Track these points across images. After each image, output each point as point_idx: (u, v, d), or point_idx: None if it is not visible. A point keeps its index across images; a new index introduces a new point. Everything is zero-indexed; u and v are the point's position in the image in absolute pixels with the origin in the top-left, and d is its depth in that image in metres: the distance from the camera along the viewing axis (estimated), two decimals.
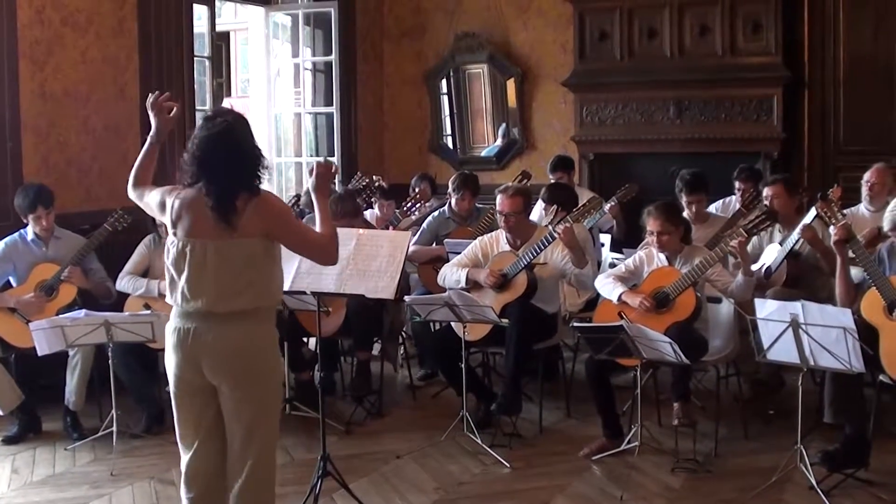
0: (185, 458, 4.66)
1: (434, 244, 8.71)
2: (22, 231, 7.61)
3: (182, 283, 4.43)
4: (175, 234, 4.50)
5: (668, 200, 7.34)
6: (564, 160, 10.14)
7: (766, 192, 7.77)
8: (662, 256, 6.89)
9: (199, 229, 4.41)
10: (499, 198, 7.43)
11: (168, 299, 4.55)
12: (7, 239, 7.57)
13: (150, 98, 4.91)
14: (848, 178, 9.77)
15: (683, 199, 8.11)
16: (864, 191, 8.14)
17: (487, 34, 12.28)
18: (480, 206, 8.99)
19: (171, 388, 4.59)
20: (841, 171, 10.56)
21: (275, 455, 4.72)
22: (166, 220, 4.55)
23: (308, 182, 4.95)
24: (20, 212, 7.51)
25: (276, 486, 5.97)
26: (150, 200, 4.70)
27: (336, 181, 10.94)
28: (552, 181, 9.56)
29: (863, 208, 8.14)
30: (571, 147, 11.61)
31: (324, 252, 4.73)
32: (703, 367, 7.19)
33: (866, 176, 8.15)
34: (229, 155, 4.42)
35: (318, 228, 4.80)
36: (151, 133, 4.89)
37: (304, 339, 8.05)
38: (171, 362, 4.54)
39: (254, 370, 4.48)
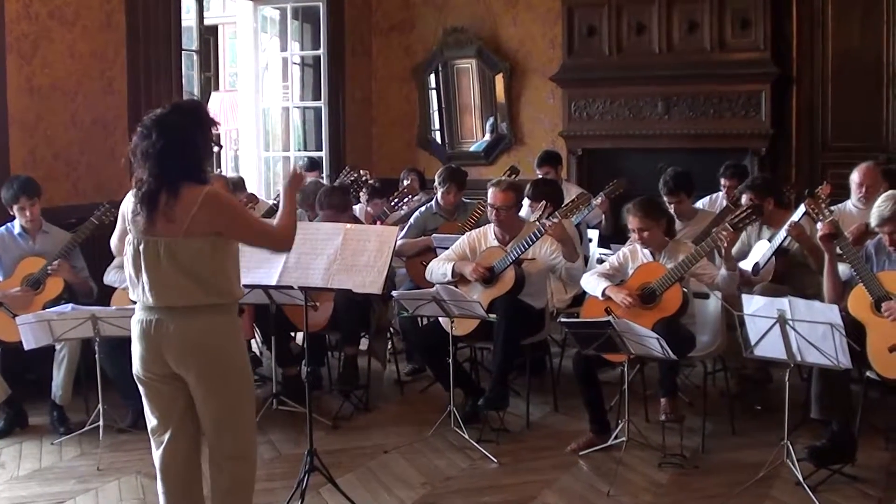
0: (156, 451, 4.66)
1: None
2: (9, 225, 7.59)
3: (142, 280, 4.44)
4: (131, 232, 4.50)
5: (648, 196, 7.34)
6: (552, 155, 10.12)
7: (742, 200, 7.77)
8: (647, 252, 6.90)
9: (150, 227, 4.40)
10: (491, 191, 7.44)
11: (131, 295, 4.56)
12: None
13: None
14: (835, 174, 9.80)
15: (664, 199, 8.13)
16: (857, 191, 8.11)
17: (476, 29, 12.29)
18: (468, 200, 8.98)
19: (139, 379, 4.59)
20: (828, 167, 10.60)
21: (253, 447, 4.73)
22: (127, 220, 4.55)
23: (282, 180, 4.95)
24: (6, 203, 7.49)
25: (263, 481, 6.01)
26: (117, 233, 4.74)
27: (323, 177, 10.96)
28: (539, 176, 9.59)
29: (850, 205, 8.14)
30: (559, 142, 11.64)
31: (279, 241, 4.73)
32: (691, 363, 7.20)
33: (856, 177, 8.11)
34: (158, 145, 4.37)
35: (279, 216, 4.81)
36: None
37: (292, 334, 8.05)
38: (136, 353, 4.55)
39: (217, 362, 4.49)
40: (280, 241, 4.75)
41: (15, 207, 7.48)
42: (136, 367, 4.57)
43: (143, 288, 4.44)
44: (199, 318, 4.44)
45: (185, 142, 4.43)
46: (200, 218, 4.36)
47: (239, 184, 9.31)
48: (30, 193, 7.48)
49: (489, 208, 7.46)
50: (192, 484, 4.71)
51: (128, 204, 4.54)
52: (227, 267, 4.53)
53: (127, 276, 4.56)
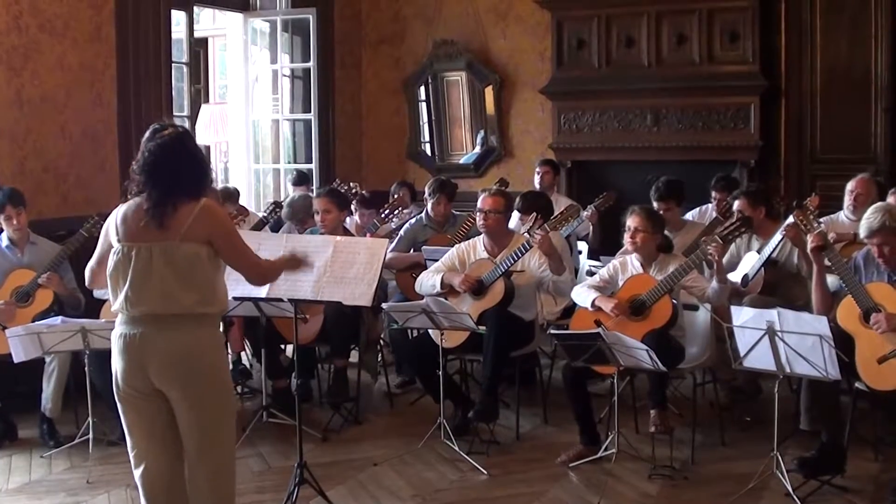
0: (137, 470, 4.62)
1: (412, 251, 8.70)
2: None
3: (126, 287, 4.43)
4: (119, 241, 4.49)
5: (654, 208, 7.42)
6: (553, 161, 10.51)
7: (735, 206, 7.80)
8: (637, 264, 6.91)
9: (144, 234, 4.42)
10: (480, 197, 7.50)
11: (112, 307, 4.54)
12: None
13: None
14: (824, 186, 9.85)
15: (654, 205, 8.15)
16: (848, 200, 8.18)
17: (466, 42, 12.31)
18: (458, 212, 8.99)
19: (119, 395, 4.56)
20: (817, 179, 10.63)
21: (233, 461, 4.71)
22: (111, 234, 4.55)
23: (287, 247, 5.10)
24: None
25: (253, 494, 6.02)
26: (97, 253, 4.75)
27: (313, 190, 10.95)
28: (538, 173, 9.87)
29: (843, 216, 8.20)
30: (549, 154, 11.62)
31: (257, 274, 4.86)
32: (680, 375, 7.21)
33: (850, 185, 8.20)
34: (179, 163, 4.47)
35: (269, 260, 4.97)
36: None
37: (282, 347, 8.05)
38: (117, 369, 4.52)
39: (201, 375, 4.47)
40: (258, 274, 4.86)
41: (1, 217, 7.47)
42: (117, 382, 4.54)
43: (128, 295, 4.43)
44: (183, 330, 4.43)
45: (195, 159, 4.57)
46: (197, 225, 4.41)
47: (233, 195, 9.33)
48: (15, 202, 7.48)
49: (478, 214, 7.48)
50: (177, 499, 4.68)
51: (115, 214, 4.55)
52: (219, 277, 4.58)
53: (110, 287, 4.55)
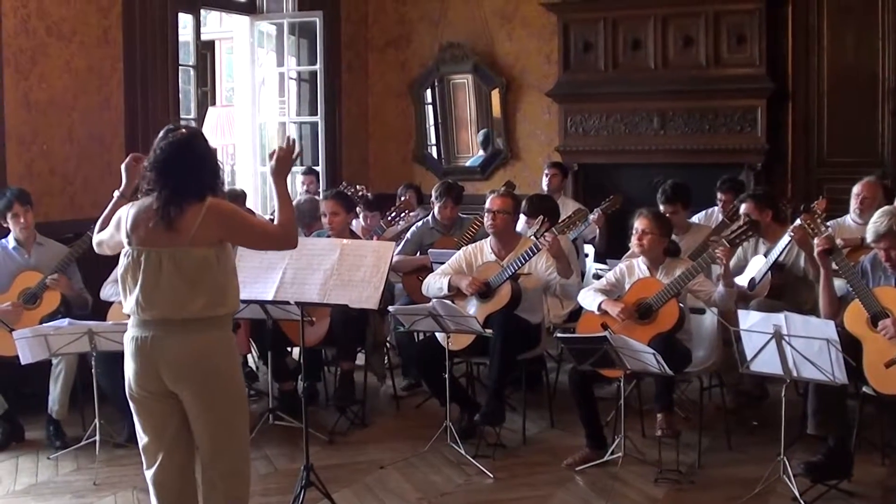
0: (149, 471, 4.63)
1: (418, 254, 8.70)
2: (2, 241, 7.60)
3: (137, 291, 4.44)
4: (129, 244, 4.51)
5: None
6: (561, 164, 10.62)
7: (741, 209, 7.79)
8: (644, 267, 6.91)
9: (155, 238, 4.43)
10: (489, 198, 7.50)
11: (125, 308, 4.56)
12: None
13: (128, 160, 4.97)
14: (831, 189, 9.84)
15: (660, 207, 8.15)
16: (854, 203, 8.17)
17: (472, 44, 12.32)
18: (464, 216, 8.99)
19: (131, 396, 4.57)
20: (824, 182, 10.62)
21: (247, 463, 4.73)
22: (121, 234, 4.56)
23: (268, 166, 4.99)
24: None
25: (259, 496, 6.01)
26: (107, 235, 4.74)
27: (320, 191, 10.94)
28: (546, 175, 10.03)
29: (849, 219, 8.19)
30: (555, 157, 11.62)
31: (281, 239, 4.78)
32: (687, 378, 7.20)
33: (856, 189, 8.19)
34: (191, 163, 4.48)
35: (277, 213, 4.82)
36: (122, 189, 4.94)
37: (288, 349, 8.05)
38: (129, 371, 4.53)
39: (213, 378, 4.48)
40: (283, 240, 4.79)
41: (8, 216, 7.49)
42: (130, 384, 4.55)
43: (139, 299, 4.44)
44: (195, 333, 4.44)
45: (206, 159, 4.57)
46: (205, 227, 4.41)
47: (240, 197, 9.33)
48: (23, 200, 7.52)
49: (486, 214, 7.48)
50: (188, 501, 4.70)
51: (128, 213, 4.56)
52: (230, 277, 4.58)
53: (121, 289, 4.56)
